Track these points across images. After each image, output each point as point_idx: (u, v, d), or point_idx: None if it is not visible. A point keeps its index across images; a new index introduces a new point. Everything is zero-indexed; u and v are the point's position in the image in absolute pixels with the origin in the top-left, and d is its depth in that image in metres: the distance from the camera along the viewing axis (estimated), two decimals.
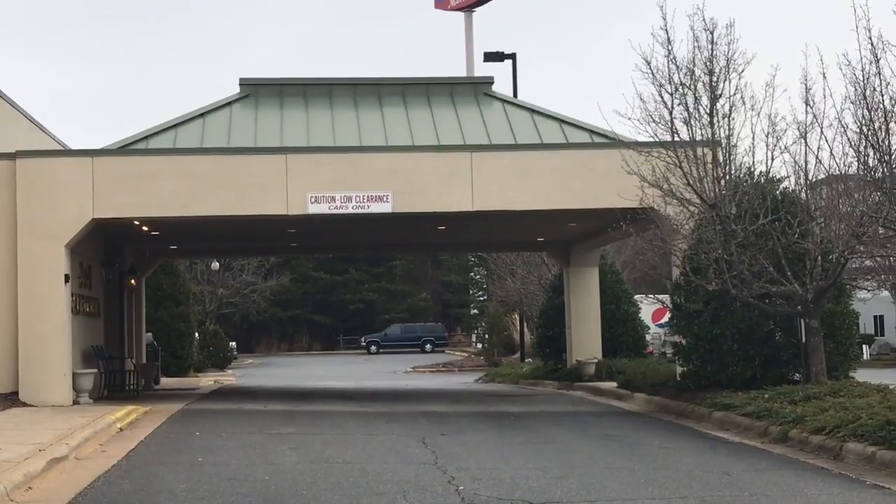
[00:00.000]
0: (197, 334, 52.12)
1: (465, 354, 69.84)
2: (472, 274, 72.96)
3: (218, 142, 28.80)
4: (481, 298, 64.36)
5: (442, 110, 31.34)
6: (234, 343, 69.16)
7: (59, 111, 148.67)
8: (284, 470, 14.88)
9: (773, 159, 22.64)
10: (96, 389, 27.40)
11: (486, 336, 60.31)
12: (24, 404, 24.32)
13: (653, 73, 22.94)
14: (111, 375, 30.58)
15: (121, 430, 20.47)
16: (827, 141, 20.99)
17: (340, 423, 22.10)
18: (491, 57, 44.51)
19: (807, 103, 21.23)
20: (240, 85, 32.32)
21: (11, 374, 25.08)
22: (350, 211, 25.97)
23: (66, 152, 30.06)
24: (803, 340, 22.13)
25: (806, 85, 21.24)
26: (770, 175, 22.72)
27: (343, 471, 14.73)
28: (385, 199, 25.95)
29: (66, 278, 25.52)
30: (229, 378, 47.16)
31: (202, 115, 30.71)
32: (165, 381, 39.61)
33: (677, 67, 22.71)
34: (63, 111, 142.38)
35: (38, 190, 25.39)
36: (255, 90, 32.19)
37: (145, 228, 29.62)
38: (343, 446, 17.90)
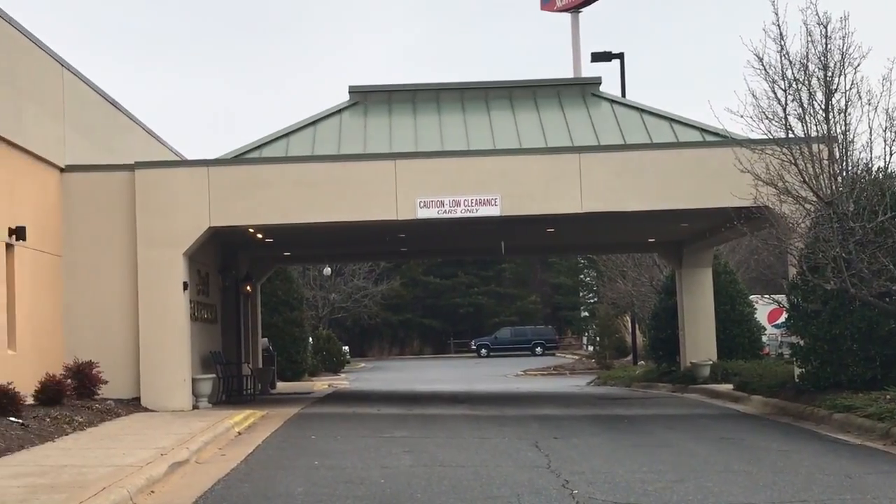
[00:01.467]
0: (311, 339, 52.65)
1: (576, 357, 69.56)
2: (581, 276, 72.57)
3: (329, 149, 29.04)
4: (592, 301, 64.05)
5: (549, 112, 31.21)
6: (346, 347, 69.63)
7: (172, 121, 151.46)
8: (399, 473, 14.89)
9: (891, 154, 22.06)
10: (215, 394, 27.78)
11: (598, 339, 60.00)
12: (146, 409, 24.74)
13: (765, 70, 22.58)
14: (229, 380, 30.98)
15: (239, 434, 20.69)
16: None
17: (452, 427, 22.11)
18: (598, 57, 44.29)
19: None
20: (349, 93, 32.58)
21: (133, 380, 25.51)
22: (459, 215, 25.96)
23: (183, 162, 30.53)
24: None
25: None
26: (889, 171, 22.13)
27: (457, 474, 14.70)
28: (493, 202, 25.90)
29: (185, 285, 25.92)
30: (342, 382, 47.55)
31: (313, 123, 31.03)
32: (281, 386, 40.05)
33: (790, 63, 22.32)
34: (176, 121, 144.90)
35: (156, 199, 25.82)
36: (364, 97, 32.41)
37: (259, 236, 29.97)
38: (456, 450, 17.87)
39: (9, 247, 22.51)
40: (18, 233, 22.78)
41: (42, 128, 24.51)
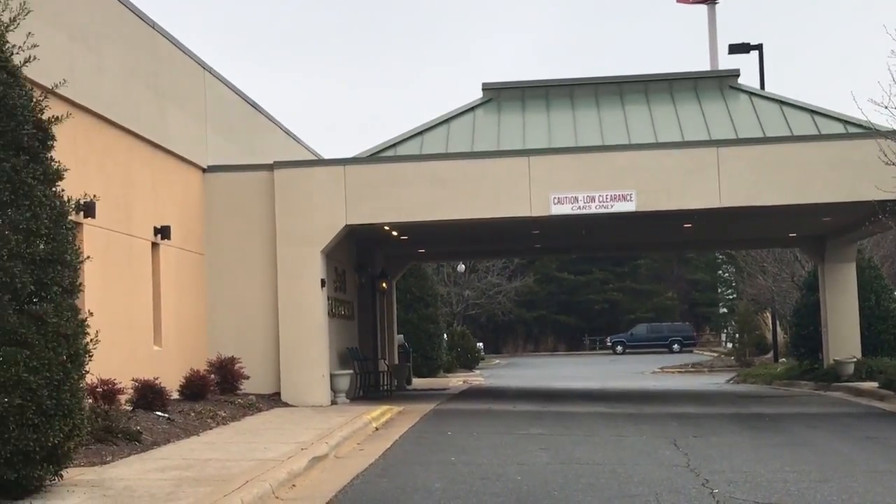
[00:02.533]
0: (445, 335, 52.88)
1: (715, 354, 68.67)
2: (720, 272, 71.75)
3: (462, 147, 29.18)
4: (730, 297, 63.33)
5: (686, 105, 30.96)
6: (480, 344, 69.79)
7: (309, 121, 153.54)
8: (535, 470, 14.94)
9: None
10: (352, 390, 28.15)
11: (737, 335, 59.24)
12: (286, 404, 25.18)
13: None
14: (366, 376, 31.37)
15: (376, 429, 20.92)
16: None
17: (589, 424, 22.06)
18: (736, 49, 43.73)
19: None
20: (482, 90, 32.68)
21: (273, 375, 25.99)
22: (593, 211, 25.89)
23: (320, 162, 30.96)
24: None
25: None
26: None
27: (593, 472, 14.70)
28: (628, 197, 25.77)
29: (323, 282, 26.29)
30: (477, 378, 47.60)
31: (447, 121, 31.20)
32: (417, 382, 40.36)
33: None
34: (313, 121, 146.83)
35: (294, 198, 26.24)
36: (497, 94, 32.50)
37: (394, 233, 30.27)
38: (592, 447, 17.86)
39: (154, 245, 23.11)
40: (164, 232, 23.37)
41: (185, 130, 25.11)
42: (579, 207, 25.80)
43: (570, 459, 16.14)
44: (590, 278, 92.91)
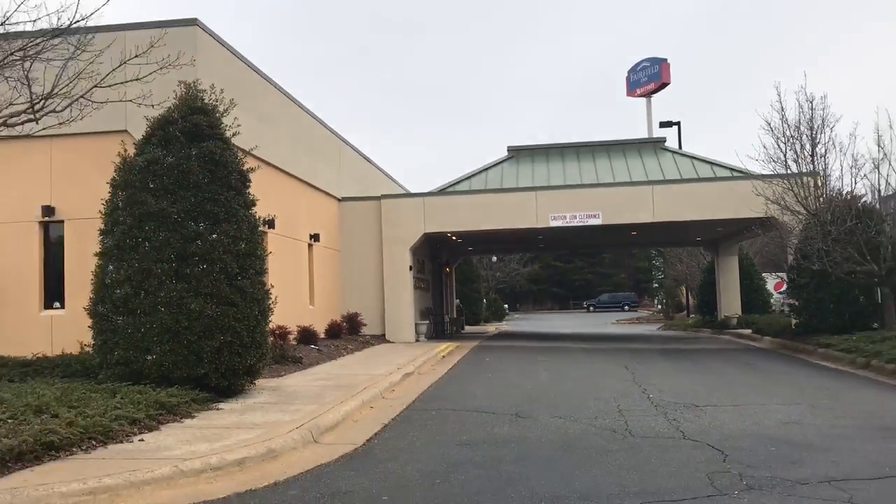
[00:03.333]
0: (484, 300, 52.90)
1: (650, 312, 67.84)
2: (653, 261, 70.87)
3: (495, 184, 29.31)
4: (660, 276, 62.43)
5: (632, 159, 30.80)
6: (506, 305, 69.66)
7: (392, 165, 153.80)
8: (540, 382, 15.03)
9: (855, 183, 21.36)
10: (428, 332, 28.31)
11: (664, 300, 58.66)
12: (388, 341, 25.39)
13: (772, 130, 21.90)
14: (436, 324, 31.51)
15: (443, 357, 21.07)
16: (893, 169, 19.79)
17: (573, 354, 22.07)
18: (664, 124, 43.29)
19: (878, 145, 20.09)
20: (507, 150, 32.82)
21: (380, 323, 26.20)
22: (576, 224, 25.87)
23: (408, 195, 31.17)
24: (879, 301, 20.73)
25: (878, 133, 20.12)
26: (854, 193, 21.26)
27: (576, 384, 14.75)
28: (597, 216, 25.74)
29: (410, 268, 26.45)
30: (504, 326, 47.57)
31: (485, 169, 31.40)
32: (467, 328, 40.39)
33: (788, 126, 21.63)
34: (394, 164, 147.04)
35: (392, 216, 26.44)
36: (516, 153, 32.58)
37: (453, 238, 30.39)
38: (575, 368, 17.89)
39: (309, 246, 23.44)
40: (315, 237, 23.68)
41: (327, 175, 25.39)
42: (567, 221, 25.81)
43: (562, 376, 16.21)
44: (573, 265, 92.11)
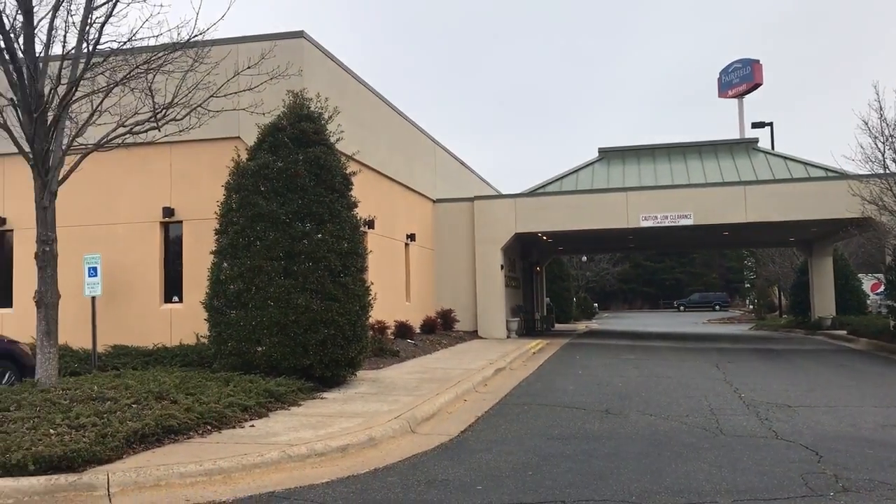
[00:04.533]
0: (574, 299, 52.37)
1: (741, 312, 65.71)
2: (745, 261, 68.65)
3: (585, 185, 28.96)
4: (752, 276, 60.39)
5: (724, 160, 29.92)
6: (596, 304, 68.76)
7: (484, 166, 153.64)
8: (630, 380, 14.76)
9: None
10: (520, 330, 28.22)
11: (756, 300, 56.71)
12: (480, 337, 25.40)
13: (869, 129, 20.84)
14: (527, 321, 31.39)
15: (534, 353, 20.97)
16: None
17: (663, 353, 21.60)
18: (756, 125, 41.90)
19: None
20: (598, 151, 32.38)
21: (473, 320, 26.27)
22: (667, 224, 25.30)
23: (500, 196, 31.11)
24: None
25: None
26: None
27: (666, 382, 14.43)
28: (688, 216, 25.10)
29: (502, 266, 26.41)
30: (594, 324, 46.94)
31: (576, 171, 31.04)
32: (557, 326, 40.10)
33: (887, 124, 20.56)
34: (489, 168, 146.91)
35: (485, 217, 26.45)
36: (606, 154, 32.11)
37: (544, 238, 30.19)
38: (665, 367, 17.50)
39: (406, 245, 23.69)
40: (411, 237, 23.93)
41: (423, 177, 25.63)
42: (658, 222, 25.26)
43: (652, 374, 15.89)
44: (663, 265, 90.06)
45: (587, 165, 31.50)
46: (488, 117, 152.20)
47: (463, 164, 31.84)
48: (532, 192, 28.62)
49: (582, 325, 43.80)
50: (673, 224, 25.27)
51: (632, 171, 30.21)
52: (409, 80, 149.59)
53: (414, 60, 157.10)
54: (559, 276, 46.72)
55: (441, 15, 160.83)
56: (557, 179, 30.34)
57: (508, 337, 26.23)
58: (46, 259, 9.91)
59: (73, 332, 15.08)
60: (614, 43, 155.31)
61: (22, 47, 9.70)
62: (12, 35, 9.60)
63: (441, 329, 24.07)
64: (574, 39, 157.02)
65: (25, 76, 9.65)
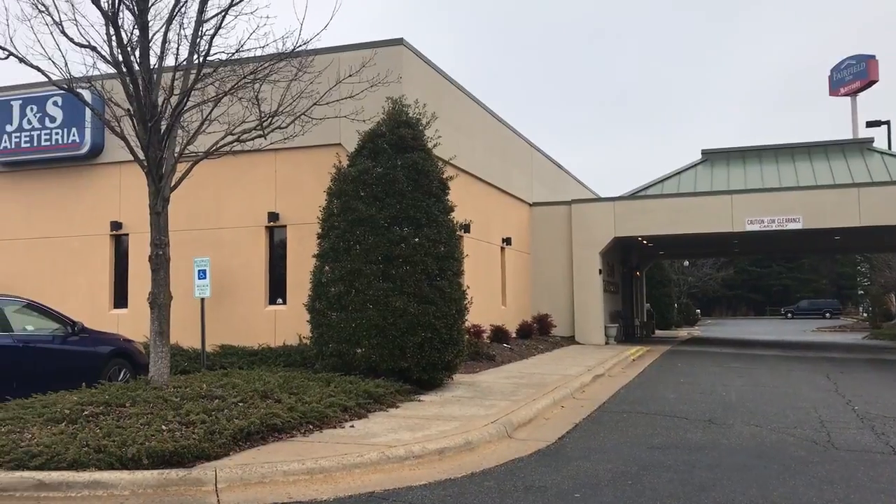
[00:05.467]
0: (675, 304, 51.16)
1: (854, 320, 62.54)
2: (859, 267, 65.43)
3: (688, 188, 28.30)
4: (866, 283, 57.52)
5: (836, 161, 28.67)
6: (698, 310, 66.91)
7: (585, 171, 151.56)
8: (734, 389, 14.29)
9: None
10: (618, 336, 27.76)
11: (870, 308, 53.90)
12: (577, 343, 25.14)
13: None
14: (626, 328, 30.86)
15: (633, 360, 20.60)
16: None
17: (770, 362, 20.80)
18: (871, 124, 39.94)
19: None
20: (701, 153, 31.57)
21: (570, 325, 26.00)
22: (774, 228, 24.35)
23: (598, 199, 30.72)
24: None
25: None
26: None
27: (773, 392, 13.92)
28: (797, 220, 24.08)
29: (600, 271, 26.03)
30: (696, 331, 45.74)
31: (678, 173, 30.40)
32: (657, 333, 39.25)
33: None
34: (588, 171, 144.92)
35: (582, 221, 26.13)
36: (710, 156, 31.27)
37: (644, 242, 29.66)
38: (772, 376, 16.86)
39: (502, 249, 23.67)
40: (507, 241, 23.89)
41: (520, 181, 25.55)
42: (765, 226, 24.35)
43: (758, 383, 15.34)
44: (770, 270, 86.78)
45: (690, 168, 30.77)
46: (588, 119, 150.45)
47: (560, 166, 31.57)
48: (632, 195, 28.16)
49: (683, 332, 42.70)
50: (780, 228, 24.32)
51: (737, 174, 29.30)
52: (506, 82, 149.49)
53: (511, 63, 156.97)
54: (660, 281, 45.71)
55: (538, 15, 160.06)
56: (658, 182, 29.75)
57: (607, 343, 25.84)
58: (159, 262, 10.40)
59: (182, 332, 15.75)
60: (718, 43, 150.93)
61: (138, 60, 10.22)
62: (129, 48, 10.12)
63: (537, 334, 23.93)
64: (675, 39, 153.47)
65: (141, 87, 10.16)
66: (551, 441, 9.06)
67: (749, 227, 24.44)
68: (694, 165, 30.82)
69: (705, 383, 15.26)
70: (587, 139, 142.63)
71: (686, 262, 57.84)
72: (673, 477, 7.28)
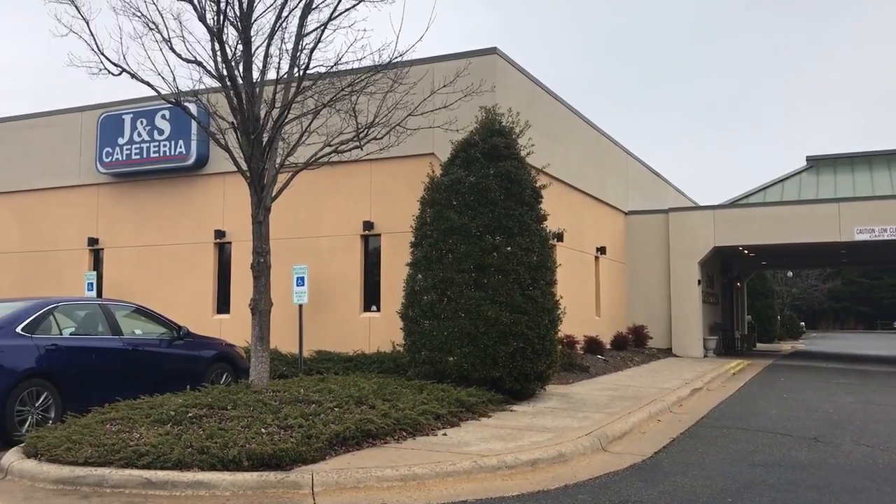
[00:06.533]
0: (778, 317, 49.35)
1: None
2: None
3: (792, 197, 27.26)
4: None
5: None
6: (803, 323, 64.33)
7: (682, 180, 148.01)
8: (842, 406, 13.66)
9: None
10: (717, 349, 26.99)
11: None
12: (675, 355, 24.55)
13: None
14: (725, 340, 29.95)
15: (733, 374, 19.98)
16: None
17: (881, 378, 19.80)
18: None
19: None
20: (806, 160, 30.41)
21: (667, 337, 25.41)
22: (886, 238, 23.14)
23: (697, 207, 29.95)
24: None
25: None
26: None
27: (885, 410, 13.23)
28: None
29: (699, 282, 25.36)
30: (800, 345, 44.04)
31: (780, 181, 29.45)
32: (759, 346, 37.97)
33: None
34: (685, 180, 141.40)
35: (680, 230, 25.52)
36: (815, 163, 30.10)
37: (745, 252, 28.70)
38: (884, 393, 16.02)
39: (596, 258, 23.37)
40: (601, 250, 23.56)
41: (614, 189, 25.18)
42: (875, 235, 23.17)
43: (868, 401, 14.61)
44: (880, 282, 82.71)
45: (794, 175, 29.71)
46: (686, 126, 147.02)
47: (657, 174, 30.95)
48: (733, 204, 27.34)
49: (787, 346, 41.12)
50: (893, 238, 23.11)
51: (844, 181, 28.07)
52: (601, 90, 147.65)
53: (607, 70, 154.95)
54: (762, 292, 44.20)
55: (635, 23, 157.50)
56: (760, 190, 28.84)
57: (705, 356, 25.12)
58: (261, 269, 10.73)
59: (281, 337, 16.20)
60: (821, 45, 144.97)
61: (241, 74, 10.61)
62: (233, 63, 10.52)
63: (632, 345, 23.48)
64: (776, 42, 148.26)
65: (244, 101, 10.53)
66: (647, 455, 8.88)
67: (858, 237, 23.31)
68: (798, 173, 29.73)
69: (810, 399, 14.63)
70: (688, 147, 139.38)
71: (790, 273, 55.67)
72: (776, 496, 7.01)
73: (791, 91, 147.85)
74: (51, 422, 9.54)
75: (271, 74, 10.95)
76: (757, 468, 8.22)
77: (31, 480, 7.32)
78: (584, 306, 21.78)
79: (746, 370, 21.44)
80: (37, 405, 9.67)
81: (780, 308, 52.00)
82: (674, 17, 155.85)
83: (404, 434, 8.93)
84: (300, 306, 15.91)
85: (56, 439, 7.81)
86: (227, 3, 10.26)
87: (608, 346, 22.00)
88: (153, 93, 10.65)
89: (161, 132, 19.20)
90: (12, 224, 21.69)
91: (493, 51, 16.44)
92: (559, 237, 18.55)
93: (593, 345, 20.28)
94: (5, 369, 9.42)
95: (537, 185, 13.27)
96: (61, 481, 7.15)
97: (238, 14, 10.39)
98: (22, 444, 8.23)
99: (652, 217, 26.31)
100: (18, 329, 9.91)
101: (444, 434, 9.18)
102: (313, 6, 10.72)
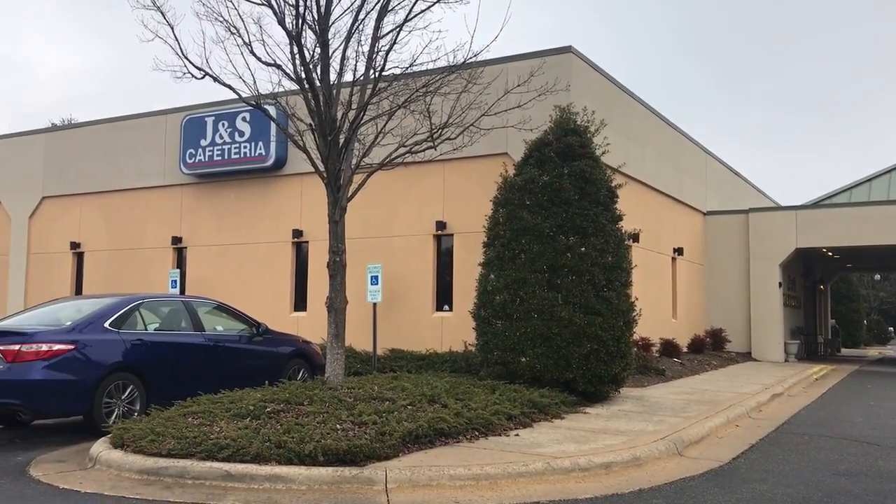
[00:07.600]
0: (864, 321, 47.48)
1: None
2: None
3: (880, 196, 26.22)
4: None
5: None
6: (891, 328, 61.67)
7: (763, 180, 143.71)
8: None
9: None
10: (799, 353, 26.12)
11: None
12: (754, 360, 23.90)
13: None
14: (808, 345, 28.97)
15: (815, 379, 19.32)
16: None
17: None
18: None
19: None
20: None
21: (746, 340, 24.74)
22: None
23: (778, 207, 29.07)
24: None
25: None
26: None
27: None
28: None
29: (779, 284, 24.60)
30: (888, 350, 42.31)
31: (867, 180, 28.45)
32: (843, 351, 36.63)
33: None
34: (766, 180, 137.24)
35: (761, 231, 24.81)
36: None
37: (829, 253, 27.70)
38: None
39: (673, 259, 22.93)
40: (679, 251, 23.09)
41: (693, 189, 24.66)
42: None
43: None
44: None
45: (882, 174, 28.53)
46: (769, 124, 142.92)
47: (737, 174, 30.15)
48: (816, 204, 26.47)
49: (873, 351, 39.56)
50: None
51: None
52: (681, 88, 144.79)
53: (687, 68, 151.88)
54: (846, 295, 42.62)
55: (713, 21, 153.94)
56: (846, 190, 27.82)
57: (786, 360, 24.36)
58: (336, 268, 10.90)
59: (355, 335, 16.42)
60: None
61: (319, 77, 10.79)
62: (311, 66, 10.71)
63: (710, 349, 22.95)
64: (863, 38, 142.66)
65: (322, 103, 10.71)
66: (725, 461, 8.66)
67: None
68: (888, 171, 28.53)
69: None
70: (771, 146, 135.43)
71: (877, 276, 53.47)
72: None
73: (879, 87, 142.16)
74: (136, 414, 9.92)
75: (348, 76, 11.12)
76: (841, 477, 7.92)
77: (118, 470, 7.61)
78: (660, 308, 21.39)
79: (830, 376, 20.71)
80: (123, 398, 10.06)
81: (866, 312, 50.06)
82: (781, 11, 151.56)
83: (476, 434, 8.93)
84: (374, 305, 16.10)
85: (141, 431, 8.10)
86: (306, 6, 10.46)
87: (685, 350, 21.57)
88: (234, 95, 10.93)
89: (242, 134, 19.70)
90: (102, 223, 22.60)
91: (567, 49, 16.30)
92: (635, 238, 18.25)
93: (669, 348, 19.91)
94: (94, 363, 9.82)
95: (613, 184, 13.10)
96: (145, 472, 7.41)
97: (316, 17, 10.57)
98: (109, 435, 8.56)
99: (731, 217, 25.65)
100: (106, 324, 10.32)
101: (517, 435, 9.15)
102: (389, 8, 10.83)
